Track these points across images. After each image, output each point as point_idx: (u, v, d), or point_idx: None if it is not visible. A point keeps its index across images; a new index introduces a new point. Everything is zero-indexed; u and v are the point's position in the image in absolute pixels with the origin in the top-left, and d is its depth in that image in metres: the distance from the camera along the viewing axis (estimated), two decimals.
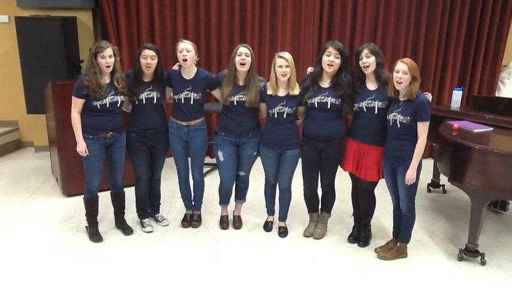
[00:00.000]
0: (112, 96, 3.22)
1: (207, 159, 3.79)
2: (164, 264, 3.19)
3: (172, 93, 3.49)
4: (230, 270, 3.13)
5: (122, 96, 3.29)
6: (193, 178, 3.69)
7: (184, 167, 3.66)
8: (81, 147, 3.23)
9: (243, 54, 3.24)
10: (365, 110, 3.16)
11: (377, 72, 3.11)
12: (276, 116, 3.32)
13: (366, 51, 3.06)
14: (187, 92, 3.39)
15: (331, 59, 3.15)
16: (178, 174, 3.69)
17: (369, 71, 3.11)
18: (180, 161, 3.62)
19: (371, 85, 3.17)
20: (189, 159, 3.64)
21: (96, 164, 3.32)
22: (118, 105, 3.29)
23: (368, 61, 3.07)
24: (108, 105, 3.22)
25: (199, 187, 3.74)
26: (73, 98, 3.19)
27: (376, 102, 3.12)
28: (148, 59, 3.26)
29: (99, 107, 3.19)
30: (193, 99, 3.40)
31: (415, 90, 2.93)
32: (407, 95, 2.94)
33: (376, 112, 3.14)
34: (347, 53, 3.23)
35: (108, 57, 3.13)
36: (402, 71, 2.89)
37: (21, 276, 3.01)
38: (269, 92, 3.31)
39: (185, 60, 3.29)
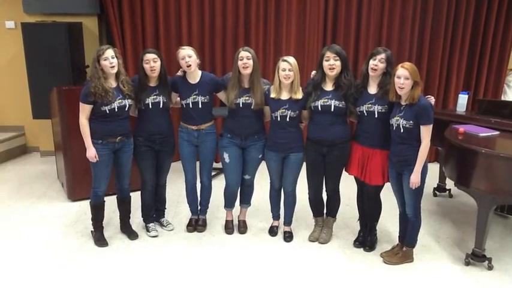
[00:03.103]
0: (120, 100, 3.23)
1: (213, 164, 3.81)
2: (169, 268, 3.19)
3: (178, 98, 3.51)
4: (235, 275, 3.13)
5: (130, 100, 3.30)
6: (201, 182, 3.69)
7: (193, 175, 3.66)
8: (91, 152, 3.24)
9: (245, 58, 3.27)
10: (365, 114, 3.16)
11: (383, 80, 3.11)
12: (278, 119, 3.32)
13: (382, 56, 3.06)
14: (195, 96, 3.40)
15: (331, 63, 3.17)
16: (186, 182, 3.69)
17: (374, 75, 3.11)
18: (189, 167, 3.62)
19: (372, 89, 3.17)
20: (198, 163, 3.65)
21: (104, 169, 3.33)
22: (126, 109, 3.29)
23: (379, 66, 3.06)
24: (116, 110, 3.22)
25: (207, 191, 3.74)
26: (81, 104, 3.20)
27: (376, 106, 3.12)
28: (151, 62, 3.28)
29: (107, 111, 3.20)
30: (201, 102, 3.42)
31: (417, 95, 2.92)
32: (409, 99, 2.93)
33: (376, 116, 3.13)
34: (345, 54, 3.24)
35: (110, 58, 3.14)
36: (404, 76, 2.88)
37: (26, 280, 3.01)
38: (272, 95, 3.32)
39: (189, 66, 3.32)
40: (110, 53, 3.14)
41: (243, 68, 3.28)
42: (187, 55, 3.31)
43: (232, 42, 5.27)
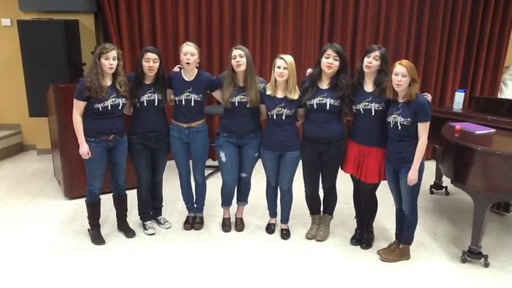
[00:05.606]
0: (114, 99, 3.23)
1: (209, 162, 3.79)
2: (166, 266, 3.19)
3: (173, 96, 3.51)
4: (232, 273, 3.13)
5: (124, 99, 3.30)
6: (195, 180, 3.69)
7: (186, 170, 3.66)
8: (84, 149, 3.24)
9: (238, 56, 3.27)
10: (362, 112, 3.16)
11: (378, 78, 3.11)
12: (275, 117, 3.32)
13: (376, 53, 3.05)
14: (188, 94, 3.40)
15: (330, 61, 3.16)
16: (180, 177, 3.69)
17: (368, 72, 3.11)
18: (182, 163, 3.63)
19: (369, 87, 3.17)
20: (191, 161, 3.65)
21: (98, 167, 3.32)
22: (119, 107, 3.29)
23: (373, 63, 3.06)
24: (109, 108, 3.22)
25: (201, 189, 3.74)
26: (74, 100, 3.20)
27: (373, 104, 3.11)
28: (151, 62, 3.27)
29: (101, 109, 3.19)
30: (194, 100, 3.42)
31: (415, 92, 2.93)
32: (407, 96, 2.94)
33: (373, 114, 3.13)
34: (346, 55, 3.24)
35: (111, 59, 3.14)
36: (401, 73, 2.89)
37: (22, 278, 3.01)
38: (268, 92, 3.31)
39: (188, 63, 3.32)
40: (113, 54, 3.14)
41: (236, 66, 3.28)
42: (191, 53, 3.31)
43: (229, 40, 5.25)
